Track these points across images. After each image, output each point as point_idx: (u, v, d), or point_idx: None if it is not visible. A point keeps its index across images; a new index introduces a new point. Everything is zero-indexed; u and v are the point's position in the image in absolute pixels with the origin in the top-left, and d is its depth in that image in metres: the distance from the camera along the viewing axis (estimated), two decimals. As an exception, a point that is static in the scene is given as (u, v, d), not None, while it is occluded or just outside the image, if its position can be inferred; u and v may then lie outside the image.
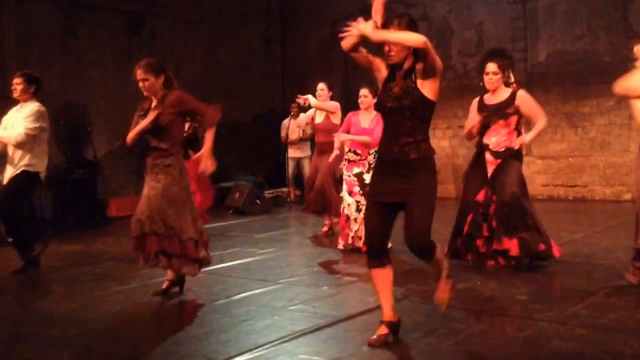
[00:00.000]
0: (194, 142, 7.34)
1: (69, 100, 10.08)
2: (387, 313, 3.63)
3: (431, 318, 3.80)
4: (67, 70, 10.28)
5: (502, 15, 11.10)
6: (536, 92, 9.71)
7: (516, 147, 5.13)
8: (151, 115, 4.54)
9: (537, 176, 10.64)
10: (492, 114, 5.10)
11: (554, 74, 10.50)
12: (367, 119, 6.39)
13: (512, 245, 5.05)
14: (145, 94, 4.63)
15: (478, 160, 5.22)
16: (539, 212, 5.43)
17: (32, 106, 5.80)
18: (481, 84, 5.21)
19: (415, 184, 3.49)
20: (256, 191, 10.50)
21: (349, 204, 6.39)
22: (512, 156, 5.13)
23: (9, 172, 5.83)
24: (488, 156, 5.13)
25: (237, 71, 12.93)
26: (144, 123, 4.54)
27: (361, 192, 6.26)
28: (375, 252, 3.64)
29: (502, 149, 5.10)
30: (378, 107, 3.71)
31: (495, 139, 5.10)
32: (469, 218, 5.14)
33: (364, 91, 6.45)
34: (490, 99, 5.17)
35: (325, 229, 7.59)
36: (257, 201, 10.38)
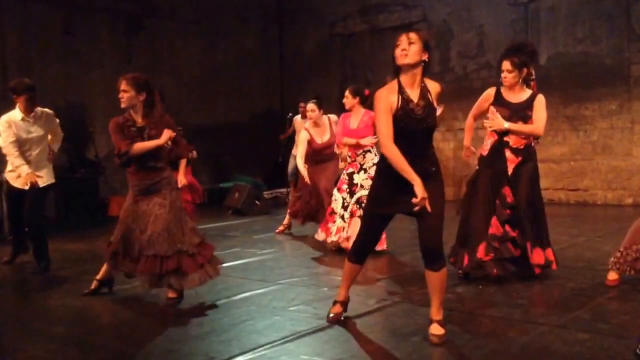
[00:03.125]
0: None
1: (70, 101, 10.11)
2: (342, 294, 4.05)
3: (432, 321, 3.79)
4: (67, 71, 10.32)
5: (502, 18, 11.05)
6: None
7: (492, 126, 5.02)
8: (167, 134, 4.58)
9: (538, 179, 10.60)
10: (513, 115, 5.02)
11: (555, 77, 10.45)
12: (356, 120, 6.40)
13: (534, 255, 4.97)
14: (122, 105, 4.67)
15: (499, 157, 5.07)
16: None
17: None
18: (500, 79, 5.16)
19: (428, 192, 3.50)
20: (255, 192, 10.51)
21: (335, 200, 6.43)
22: (529, 156, 5.06)
23: (41, 177, 5.82)
24: (509, 154, 5.04)
25: (236, 72, 12.95)
26: (158, 142, 4.56)
27: (348, 190, 6.33)
28: (360, 252, 3.93)
29: (522, 147, 5.03)
30: (402, 130, 3.56)
31: (515, 136, 5.04)
32: (493, 220, 4.95)
33: (346, 92, 6.48)
34: (509, 96, 5.06)
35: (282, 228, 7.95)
36: (256, 202, 10.40)
